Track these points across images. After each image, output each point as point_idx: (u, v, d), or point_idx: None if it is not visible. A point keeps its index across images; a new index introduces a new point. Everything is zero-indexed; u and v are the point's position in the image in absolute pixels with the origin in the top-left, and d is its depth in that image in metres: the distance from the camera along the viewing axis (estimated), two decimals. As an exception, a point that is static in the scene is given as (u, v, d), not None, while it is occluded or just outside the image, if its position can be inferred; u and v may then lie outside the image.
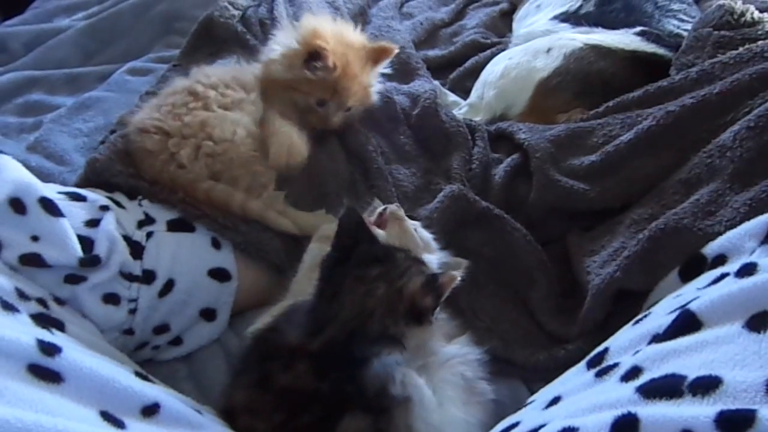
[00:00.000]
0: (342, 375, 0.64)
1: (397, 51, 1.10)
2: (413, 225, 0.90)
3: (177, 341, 0.91)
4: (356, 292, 0.68)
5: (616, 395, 0.54)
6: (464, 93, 1.42)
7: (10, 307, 0.65)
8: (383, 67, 1.12)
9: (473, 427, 0.70)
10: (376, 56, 1.07)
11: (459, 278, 0.71)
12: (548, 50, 1.28)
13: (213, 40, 1.41)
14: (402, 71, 1.38)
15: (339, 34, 1.05)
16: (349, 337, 0.66)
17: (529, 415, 0.66)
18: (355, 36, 1.09)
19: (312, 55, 1.00)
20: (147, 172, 0.96)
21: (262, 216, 0.96)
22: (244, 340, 0.83)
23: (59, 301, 0.78)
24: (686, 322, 0.58)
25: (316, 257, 0.83)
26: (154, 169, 0.95)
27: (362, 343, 0.66)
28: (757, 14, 1.12)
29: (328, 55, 0.99)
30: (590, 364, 0.67)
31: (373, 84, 1.12)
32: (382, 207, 0.91)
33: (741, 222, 0.74)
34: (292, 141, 0.98)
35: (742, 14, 1.12)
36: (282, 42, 1.07)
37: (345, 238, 0.73)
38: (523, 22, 1.56)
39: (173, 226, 0.91)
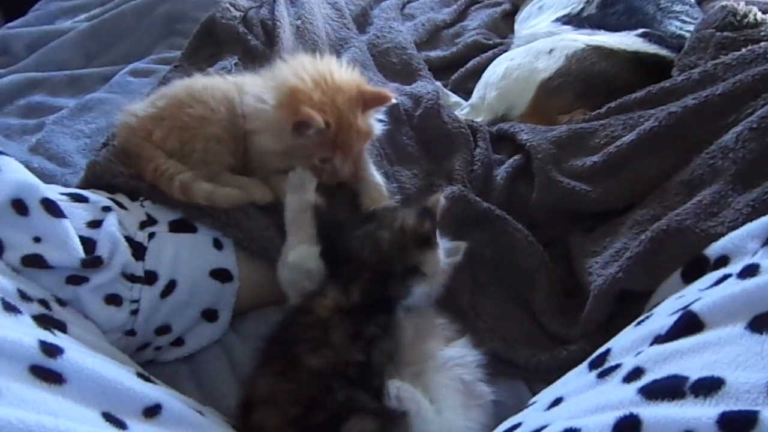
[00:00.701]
0: (379, 326, 0.72)
1: (394, 101, 0.97)
2: None
3: (179, 342, 0.91)
4: (368, 246, 0.77)
5: (618, 396, 0.54)
6: (466, 94, 1.43)
7: (12, 308, 0.65)
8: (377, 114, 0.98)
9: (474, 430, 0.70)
10: (367, 102, 0.93)
11: (443, 202, 0.83)
12: (550, 51, 1.28)
13: (214, 42, 1.41)
14: (404, 72, 1.38)
15: (323, 80, 0.91)
16: (382, 281, 0.75)
17: (530, 416, 0.66)
18: (343, 74, 0.95)
19: (299, 124, 0.87)
20: (123, 147, 0.98)
21: (209, 197, 0.92)
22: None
23: (61, 302, 0.78)
24: (688, 323, 0.58)
25: (296, 209, 0.89)
26: (130, 143, 0.96)
27: (394, 282, 0.76)
28: (759, 15, 1.12)
29: (316, 123, 0.86)
30: (592, 365, 0.66)
31: (371, 122, 0.98)
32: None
33: (743, 223, 0.74)
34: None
35: (745, 15, 1.12)
36: (258, 99, 0.94)
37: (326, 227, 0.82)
38: (525, 24, 1.56)
39: (175, 226, 0.91)
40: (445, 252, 0.86)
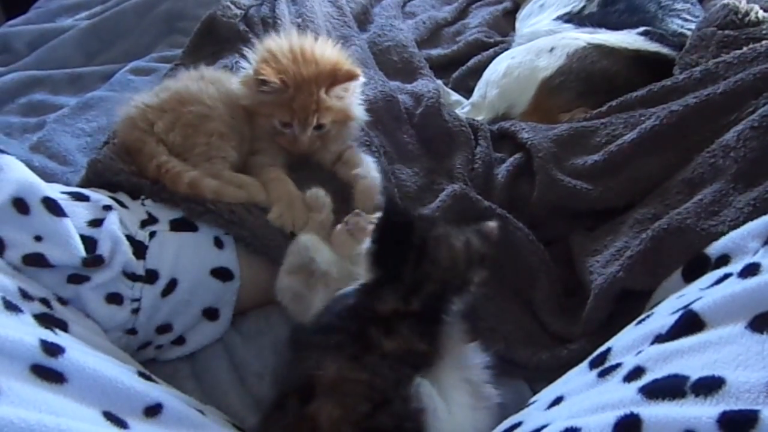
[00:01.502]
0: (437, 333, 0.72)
1: (361, 79, 1.02)
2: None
3: (180, 341, 0.91)
4: (444, 252, 0.75)
5: (619, 395, 0.54)
6: (467, 92, 1.43)
7: (13, 307, 0.65)
8: (348, 90, 1.01)
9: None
10: (334, 77, 0.98)
11: (496, 232, 0.81)
12: (551, 49, 1.28)
13: (215, 40, 1.41)
14: (405, 70, 1.38)
15: (299, 49, 0.99)
16: (444, 291, 0.73)
17: (531, 415, 0.66)
18: (324, 51, 1.01)
19: (258, 80, 0.96)
20: (123, 140, 0.99)
21: (217, 192, 0.94)
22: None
23: (62, 301, 0.78)
24: (689, 323, 0.58)
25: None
26: (131, 138, 0.97)
27: (450, 294, 0.74)
28: (761, 13, 1.12)
29: (268, 78, 0.94)
30: (593, 364, 0.66)
31: (347, 101, 1.02)
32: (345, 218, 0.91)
33: (744, 222, 0.74)
34: (292, 203, 0.97)
35: (746, 13, 1.12)
36: (249, 63, 1.03)
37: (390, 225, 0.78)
38: (527, 22, 1.56)
39: (176, 225, 0.91)
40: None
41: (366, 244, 0.78)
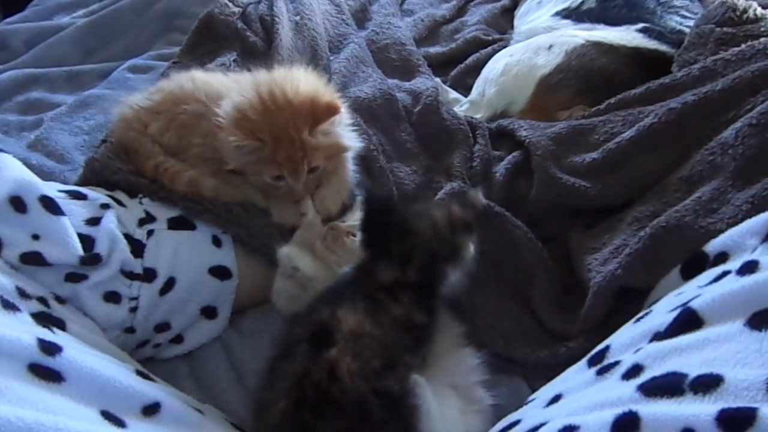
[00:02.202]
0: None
1: (342, 112, 0.92)
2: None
3: (178, 339, 0.91)
4: (424, 224, 0.78)
5: (617, 393, 0.54)
6: (465, 90, 1.42)
7: (11, 306, 0.65)
8: (334, 124, 0.92)
9: None
10: (316, 116, 0.89)
11: (482, 199, 0.88)
12: (549, 47, 1.28)
13: (213, 38, 1.41)
14: (403, 68, 1.38)
15: (267, 99, 0.89)
16: (431, 261, 0.76)
17: (530, 413, 0.66)
18: (297, 88, 0.90)
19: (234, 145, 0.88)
20: (119, 140, 0.98)
21: (216, 190, 0.94)
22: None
23: (60, 300, 0.78)
24: (687, 320, 0.58)
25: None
26: (127, 139, 0.97)
27: (440, 263, 0.77)
28: (759, 11, 1.12)
29: (240, 143, 0.86)
30: (591, 362, 0.67)
31: (333, 136, 0.93)
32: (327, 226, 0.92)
33: (743, 219, 0.74)
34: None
35: (745, 11, 1.12)
36: (223, 114, 0.93)
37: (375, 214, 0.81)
38: (525, 19, 1.56)
39: (174, 224, 0.91)
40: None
41: (357, 236, 0.83)
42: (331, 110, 0.90)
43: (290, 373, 0.65)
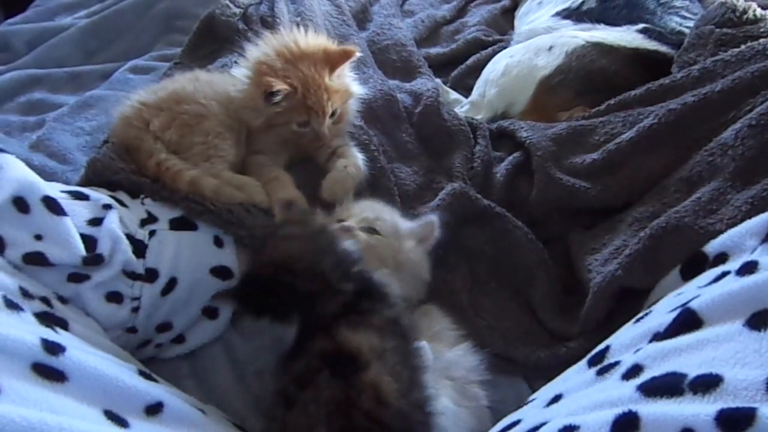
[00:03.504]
0: None
1: (357, 55, 1.02)
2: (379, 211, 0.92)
3: (180, 339, 0.92)
4: (293, 245, 0.76)
5: (617, 393, 0.54)
6: (466, 91, 1.43)
7: (14, 306, 0.65)
8: (346, 69, 1.02)
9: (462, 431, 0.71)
10: (332, 61, 0.99)
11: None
12: (550, 48, 1.28)
13: (214, 38, 1.41)
14: (404, 69, 1.38)
15: (287, 49, 0.99)
16: (335, 260, 0.73)
17: (530, 412, 0.66)
18: (309, 41, 1.01)
19: (266, 94, 0.95)
20: (120, 138, 0.99)
21: (216, 190, 0.94)
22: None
23: (63, 300, 0.78)
24: (687, 321, 0.58)
25: None
26: (128, 136, 0.98)
27: (339, 256, 0.75)
28: (759, 11, 1.12)
29: (279, 87, 0.94)
30: (591, 362, 0.67)
31: (345, 80, 1.03)
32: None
33: (742, 220, 0.74)
34: (290, 194, 0.97)
35: (744, 11, 1.12)
36: (239, 77, 1.02)
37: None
38: (525, 19, 1.56)
39: (176, 224, 0.91)
40: (413, 233, 0.89)
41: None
42: (347, 54, 1.00)
43: (323, 401, 0.62)
